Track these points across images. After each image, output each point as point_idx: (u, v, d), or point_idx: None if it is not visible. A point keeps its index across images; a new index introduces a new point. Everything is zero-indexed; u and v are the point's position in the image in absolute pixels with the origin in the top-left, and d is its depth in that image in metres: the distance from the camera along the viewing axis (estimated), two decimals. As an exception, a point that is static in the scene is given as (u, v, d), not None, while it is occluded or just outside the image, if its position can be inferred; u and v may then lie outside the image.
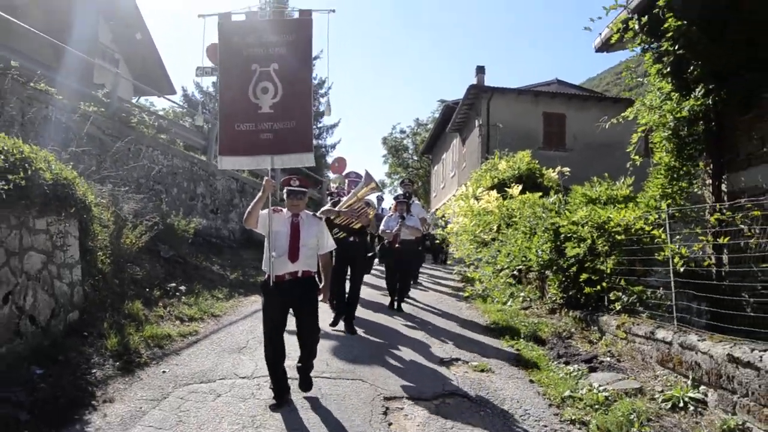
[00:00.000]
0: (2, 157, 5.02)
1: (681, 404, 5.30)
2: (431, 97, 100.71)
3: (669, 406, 5.33)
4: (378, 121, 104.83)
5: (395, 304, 9.74)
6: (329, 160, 36.78)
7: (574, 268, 8.22)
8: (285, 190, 5.51)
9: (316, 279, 5.51)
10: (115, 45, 23.20)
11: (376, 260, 12.44)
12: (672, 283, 6.21)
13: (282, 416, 4.91)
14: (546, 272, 9.32)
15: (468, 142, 27.15)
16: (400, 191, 12.31)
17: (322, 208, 8.45)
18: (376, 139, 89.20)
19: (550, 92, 25.59)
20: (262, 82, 5.73)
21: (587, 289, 7.81)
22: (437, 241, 18.24)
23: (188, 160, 13.80)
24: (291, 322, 5.36)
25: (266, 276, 5.31)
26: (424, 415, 5.11)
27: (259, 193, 5.25)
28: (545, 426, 5.03)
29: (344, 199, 8.35)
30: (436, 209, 28.45)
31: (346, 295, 8.20)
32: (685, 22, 6.91)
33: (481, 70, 28.06)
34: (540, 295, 9.85)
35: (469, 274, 13.14)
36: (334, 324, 8.07)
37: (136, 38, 23.48)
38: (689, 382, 5.50)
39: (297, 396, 5.37)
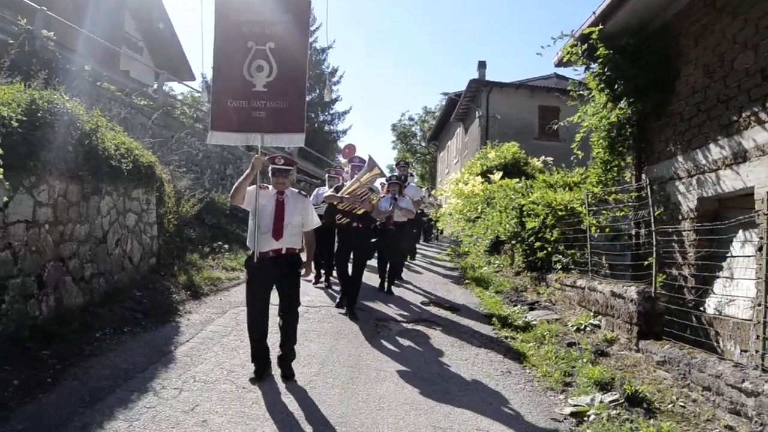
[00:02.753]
0: (121, 148, 7.33)
1: (583, 327, 7.59)
2: (439, 86, 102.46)
3: (575, 328, 7.63)
4: (388, 108, 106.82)
5: (385, 285, 9.79)
6: (341, 145, 38.84)
7: (532, 238, 10.48)
8: (270, 168, 5.56)
9: (300, 257, 5.65)
10: (138, 33, 24.43)
11: None
12: (588, 246, 8.49)
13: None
14: (513, 243, 11.60)
15: (470, 131, 29.22)
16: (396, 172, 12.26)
17: (326, 193, 8.61)
18: (386, 126, 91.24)
19: (546, 87, 27.58)
20: (257, 60, 5.76)
21: (539, 254, 10.10)
22: (431, 220, 20.35)
23: (219, 146, 16.09)
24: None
25: (251, 252, 5.45)
26: (402, 327, 7.44)
27: (247, 170, 5.37)
28: (485, 337, 7.33)
29: (347, 184, 8.35)
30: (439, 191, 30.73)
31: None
32: (611, 51, 9.08)
33: (482, 65, 30.04)
34: (510, 262, 12.14)
35: (458, 246, 15.48)
36: (339, 305, 8.15)
37: (159, 27, 24.68)
38: (591, 314, 7.80)
39: (309, 310, 7.66)
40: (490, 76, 29.62)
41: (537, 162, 18.14)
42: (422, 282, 10.92)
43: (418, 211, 13.08)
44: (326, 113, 44.16)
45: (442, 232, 22.52)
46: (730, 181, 7.12)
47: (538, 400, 5.32)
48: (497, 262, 12.66)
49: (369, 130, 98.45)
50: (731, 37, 7.19)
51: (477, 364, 6.22)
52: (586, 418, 4.86)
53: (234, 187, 5.39)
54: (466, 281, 11.09)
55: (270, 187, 5.58)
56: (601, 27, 8.88)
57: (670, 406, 5.11)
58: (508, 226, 11.39)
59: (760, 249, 6.01)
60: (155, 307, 7.11)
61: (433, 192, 20.75)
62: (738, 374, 4.78)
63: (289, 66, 5.77)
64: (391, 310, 8.34)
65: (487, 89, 26.47)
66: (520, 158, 18.11)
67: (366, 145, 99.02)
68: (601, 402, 5.06)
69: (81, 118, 6.45)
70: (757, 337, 5.39)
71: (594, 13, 8.94)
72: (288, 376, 5.36)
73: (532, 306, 8.97)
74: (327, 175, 10.34)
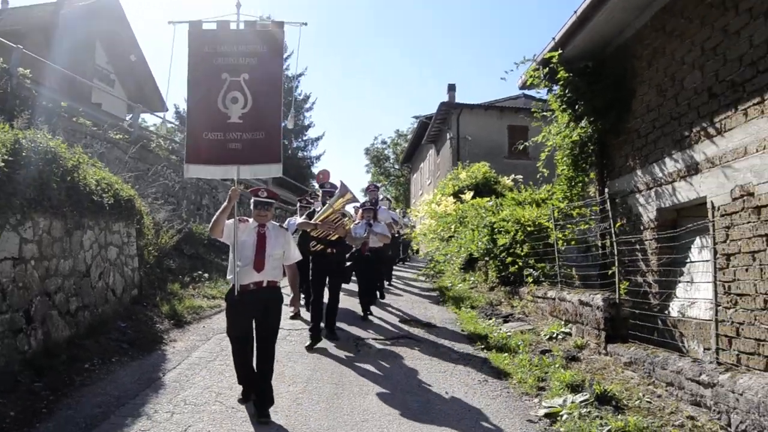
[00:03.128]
0: (101, 184, 7.55)
1: (555, 335, 7.92)
2: (412, 109, 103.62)
3: (547, 337, 7.96)
4: (361, 132, 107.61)
5: (367, 312, 9.62)
6: (315, 171, 39.15)
7: (504, 254, 10.84)
8: (252, 201, 5.49)
9: (281, 290, 5.65)
10: (110, 66, 24.53)
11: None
12: (556, 259, 8.85)
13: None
14: (486, 259, 11.95)
15: (441, 152, 29.74)
16: (366, 197, 12.17)
17: (298, 221, 8.61)
18: (360, 150, 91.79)
19: (514, 107, 28.22)
20: (232, 92, 5.75)
21: (512, 269, 10.45)
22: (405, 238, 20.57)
23: (195, 178, 16.31)
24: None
25: (231, 286, 5.38)
26: (382, 345, 7.70)
27: (225, 203, 5.31)
28: (462, 351, 7.61)
29: (319, 210, 8.26)
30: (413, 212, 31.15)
31: (325, 307, 8.12)
32: (571, 74, 9.54)
33: (452, 88, 30.73)
34: (485, 278, 12.47)
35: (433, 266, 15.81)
36: (310, 348, 7.53)
37: (131, 59, 24.83)
38: (562, 322, 8.14)
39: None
40: (460, 98, 30.43)
41: (507, 180, 18.62)
42: (400, 302, 11.18)
43: (394, 234, 13.30)
44: (299, 140, 44.61)
45: (417, 252, 22.84)
46: (685, 192, 7.54)
47: (514, 404, 5.61)
48: (472, 278, 12.98)
49: (343, 155, 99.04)
50: (680, 58, 7.65)
51: (455, 376, 6.51)
52: (559, 418, 5.15)
53: (213, 220, 5.35)
54: (442, 300, 11.37)
55: (250, 219, 5.53)
56: (560, 51, 9.34)
57: (637, 402, 5.44)
58: (480, 243, 11.75)
59: (714, 253, 6.45)
60: (140, 337, 7.29)
61: (407, 212, 21.07)
62: (696, 368, 5.13)
63: (263, 97, 5.79)
64: (371, 331, 8.57)
65: (457, 111, 27.04)
66: (491, 177, 18.58)
67: (340, 170, 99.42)
68: (572, 402, 5.36)
69: (63, 155, 6.67)
70: (716, 335, 5.78)
71: (553, 38, 9.39)
72: (264, 417, 5.01)
73: (507, 318, 9.29)
74: (298, 204, 10.18)
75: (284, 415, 5.13)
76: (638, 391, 5.68)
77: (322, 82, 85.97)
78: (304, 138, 44.61)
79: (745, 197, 6.32)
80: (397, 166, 52.33)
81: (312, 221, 8.00)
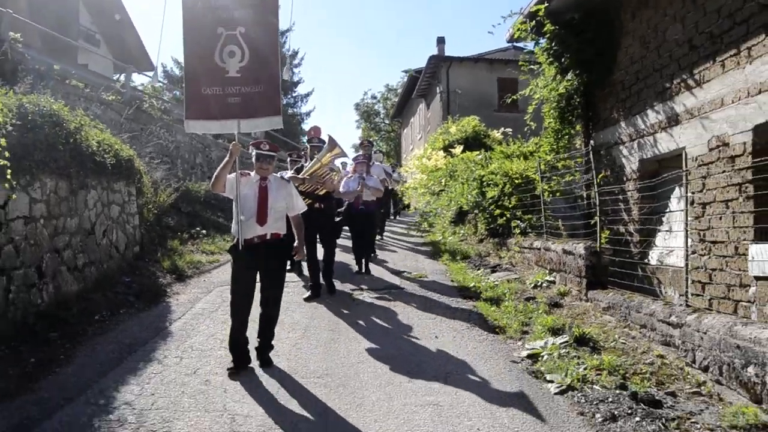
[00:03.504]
0: (102, 145, 7.79)
1: (539, 284, 8.33)
2: (401, 63, 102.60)
3: (532, 285, 8.36)
4: (351, 88, 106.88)
5: (363, 267, 9.75)
6: (305, 127, 39.16)
7: (492, 207, 11.18)
8: (254, 153, 5.49)
9: (286, 241, 5.61)
10: (95, 26, 24.33)
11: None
12: (542, 210, 9.20)
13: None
14: (476, 212, 12.30)
15: (432, 106, 29.82)
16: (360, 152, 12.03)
17: (288, 174, 8.09)
18: (349, 106, 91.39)
19: (504, 59, 28.21)
20: (229, 46, 5.70)
21: (500, 221, 10.81)
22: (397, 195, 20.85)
23: (187, 135, 16.46)
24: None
25: (235, 240, 5.37)
26: (374, 294, 8.09)
27: (226, 158, 5.30)
28: (451, 299, 8.00)
29: (307, 165, 8.26)
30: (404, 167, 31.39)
31: (320, 263, 8.26)
32: (557, 26, 9.73)
33: (441, 41, 30.63)
34: (474, 231, 12.84)
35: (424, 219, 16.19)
36: (309, 299, 7.80)
37: (116, 19, 24.59)
38: (547, 271, 8.54)
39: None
40: (450, 51, 30.31)
41: (497, 134, 18.85)
42: (393, 257, 11.52)
43: (387, 188, 13.43)
44: (289, 96, 44.42)
45: (408, 207, 23.18)
46: (666, 143, 7.84)
47: (499, 347, 6.01)
48: (462, 231, 13.35)
49: (332, 111, 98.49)
50: (662, 10, 7.86)
51: (444, 322, 6.90)
52: (540, 358, 5.55)
53: (214, 175, 5.32)
54: (434, 254, 11.75)
55: (251, 173, 5.51)
56: (546, 5, 9.49)
57: (612, 343, 5.85)
58: (469, 196, 12.09)
59: (691, 203, 6.81)
60: (145, 290, 7.65)
61: (396, 168, 21.31)
62: (666, 310, 5.53)
63: (260, 49, 5.74)
64: (364, 285, 8.92)
65: (447, 65, 27.03)
66: (481, 131, 18.82)
67: (330, 126, 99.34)
68: (553, 344, 5.76)
69: (66, 118, 6.91)
70: (686, 279, 6.16)
71: (540, -9, 9.56)
72: (266, 362, 5.35)
73: (494, 269, 9.68)
74: (288, 158, 9.90)
75: (285, 358, 5.51)
76: (614, 334, 6.09)
77: (310, 38, 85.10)
78: (294, 94, 44.46)
79: (720, 147, 6.64)
80: (387, 121, 52.26)
81: (300, 176, 7.93)
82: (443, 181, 15.39)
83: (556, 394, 4.78)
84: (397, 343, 6.10)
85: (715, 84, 6.74)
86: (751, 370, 4.29)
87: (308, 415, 4.37)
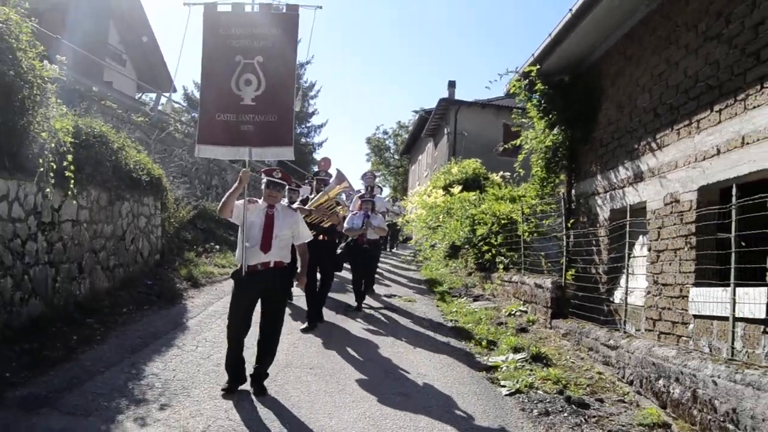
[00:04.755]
0: (138, 164, 8.94)
1: (513, 312, 9.34)
2: (413, 101, 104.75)
3: (507, 314, 9.37)
4: (363, 122, 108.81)
5: (362, 303, 9.65)
6: (317, 157, 40.39)
7: (481, 243, 12.23)
8: (265, 180, 5.49)
9: (289, 270, 5.68)
10: (122, 46, 24.82)
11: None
12: (522, 248, 10.26)
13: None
14: (467, 247, 13.36)
15: (439, 146, 31.02)
16: (362, 184, 12.40)
17: (294, 206, 8.13)
18: (361, 139, 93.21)
19: (510, 106, 29.31)
20: (246, 74, 5.76)
21: (486, 256, 11.85)
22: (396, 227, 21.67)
23: (205, 158, 17.66)
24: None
25: (239, 266, 5.39)
26: (366, 313, 9.11)
27: (235, 184, 5.32)
28: (434, 320, 9.02)
29: (313, 197, 8.41)
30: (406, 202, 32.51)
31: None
32: (547, 86, 10.90)
33: (452, 84, 31.96)
34: (465, 265, 13.88)
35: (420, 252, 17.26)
36: (306, 330, 7.80)
37: (143, 41, 25.03)
38: (521, 302, 9.56)
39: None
40: (461, 93, 31.53)
41: (496, 177, 19.92)
42: (386, 288, 12.54)
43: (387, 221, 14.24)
44: (303, 126, 45.78)
45: (406, 240, 24.18)
46: (632, 197, 8.88)
47: (467, 359, 7.02)
48: (454, 265, 14.39)
49: (344, 143, 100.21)
50: (635, 80, 8.96)
51: (424, 337, 7.93)
52: (499, 369, 6.55)
53: (222, 201, 5.36)
54: (426, 281, 12.78)
55: (259, 200, 5.55)
56: (538, 67, 10.65)
57: (563, 361, 6.85)
58: (461, 232, 13.17)
59: (648, 250, 7.83)
60: (165, 292, 8.71)
61: (400, 203, 22.35)
62: (608, 335, 6.57)
63: (277, 80, 5.82)
64: (359, 320, 9.71)
65: (456, 107, 28.25)
66: (481, 173, 19.89)
67: (341, 158, 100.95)
68: (512, 359, 6.77)
69: (111, 139, 8.06)
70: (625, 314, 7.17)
71: (533, 55, 10.70)
72: (261, 391, 5.31)
73: (477, 298, 10.71)
74: (287, 188, 9.93)
75: (284, 354, 6.51)
76: (567, 354, 7.10)
77: (327, 71, 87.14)
78: (308, 125, 45.80)
79: (673, 203, 7.67)
80: (396, 157, 53.26)
81: (306, 207, 8.14)
82: (441, 217, 16.45)
83: (506, 395, 5.79)
84: (381, 348, 7.13)
85: (671, 149, 7.80)
86: (661, 382, 5.30)
87: (301, 392, 5.40)
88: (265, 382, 5.46)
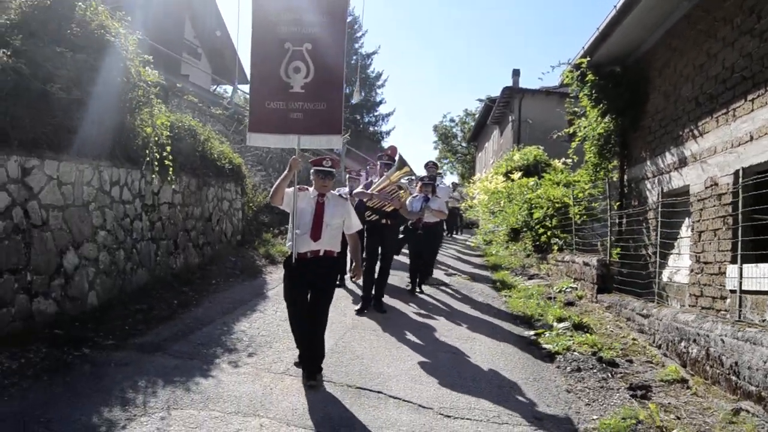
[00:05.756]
0: (222, 154, 10.06)
1: (563, 289, 10.01)
2: (480, 87, 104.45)
3: (558, 290, 10.05)
4: (430, 110, 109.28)
5: (416, 287, 9.73)
6: (384, 145, 41.32)
7: (538, 226, 12.88)
8: (314, 170, 5.41)
9: (339, 259, 5.64)
10: (197, 40, 26.35)
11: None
12: (573, 230, 10.89)
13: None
14: (525, 230, 14.03)
15: (504, 133, 31.40)
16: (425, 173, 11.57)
17: (356, 190, 8.59)
18: (428, 127, 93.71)
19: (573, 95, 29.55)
20: (295, 62, 5.67)
21: (542, 238, 12.51)
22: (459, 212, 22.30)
23: (279, 148, 18.82)
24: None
25: (289, 253, 5.42)
26: (428, 290, 9.96)
27: (285, 171, 5.23)
28: (489, 296, 9.80)
29: (377, 181, 8.51)
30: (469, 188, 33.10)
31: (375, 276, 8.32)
32: (598, 77, 11.42)
33: (516, 73, 32.34)
34: (524, 247, 14.54)
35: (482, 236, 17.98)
36: (360, 312, 7.91)
37: (216, 35, 26.68)
38: (572, 280, 10.22)
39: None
40: (525, 80, 31.71)
41: (558, 163, 20.33)
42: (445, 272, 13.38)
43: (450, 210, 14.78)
44: (371, 115, 46.87)
45: (470, 225, 24.87)
46: (677, 181, 9.39)
47: (517, 326, 7.81)
48: (514, 248, 15.07)
49: (412, 131, 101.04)
50: (679, 71, 9.44)
51: (479, 309, 8.74)
52: (543, 336, 7.30)
53: (273, 188, 5.36)
54: (485, 261, 13.54)
55: (310, 188, 5.49)
56: (588, 59, 11.21)
57: (602, 330, 7.54)
58: (519, 216, 13.84)
59: (692, 230, 8.37)
60: (246, 268, 9.81)
61: (461, 188, 23.00)
62: (641, 305, 7.23)
63: (326, 67, 5.74)
64: (413, 305, 10.07)
65: (520, 96, 28.55)
66: (542, 160, 20.33)
67: (408, 146, 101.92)
68: (555, 327, 7.51)
69: (199, 132, 9.17)
70: (689, 293, 7.77)
71: (583, 47, 11.26)
72: (312, 376, 5.21)
73: (532, 277, 11.42)
74: (348, 176, 10.07)
75: (334, 342, 6.99)
76: (607, 324, 7.79)
77: (394, 60, 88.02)
78: (376, 113, 46.85)
79: (712, 187, 8.18)
80: (464, 144, 53.52)
81: (369, 191, 8.26)
82: (502, 202, 17.08)
83: (546, 356, 6.55)
84: (438, 316, 7.99)
85: (711, 135, 8.30)
86: (682, 344, 5.97)
87: (365, 344, 6.35)
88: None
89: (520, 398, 5.23)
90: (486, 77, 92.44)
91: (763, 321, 6.14)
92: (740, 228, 6.10)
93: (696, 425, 4.65)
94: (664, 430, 4.52)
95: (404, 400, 4.97)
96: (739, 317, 5.79)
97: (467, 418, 4.67)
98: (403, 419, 4.57)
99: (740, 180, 7.21)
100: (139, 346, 5.69)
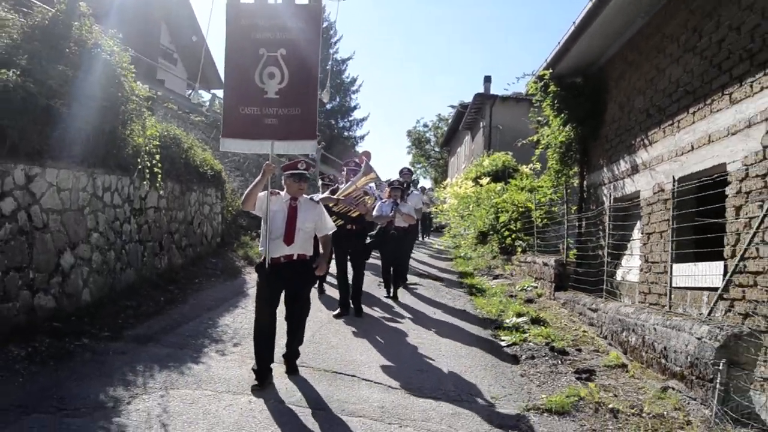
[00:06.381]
0: (203, 161, 10.60)
1: (525, 287, 10.72)
2: (454, 93, 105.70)
3: (520, 288, 10.76)
4: (404, 115, 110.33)
5: (391, 292, 9.83)
6: (359, 150, 41.88)
7: (503, 229, 13.61)
8: (289, 173, 5.47)
9: (312, 263, 5.55)
10: (173, 46, 26.57)
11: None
12: (534, 232, 11.62)
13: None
14: (492, 233, 14.75)
15: (476, 139, 32.18)
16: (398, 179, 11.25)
17: (321, 196, 8.40)
18: (402, 132, 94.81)
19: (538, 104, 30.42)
20: (269, 67, 5.67)
21: (507, 241, 13.23)
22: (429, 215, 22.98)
23: (255, 153, 19.35)
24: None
25: (262, 258, 5.42)
26: (399, 291, 10.61)
27: (258, 177, 5.24)
28: (456, 294, 10.46)
29: (342, 187, 8.58)
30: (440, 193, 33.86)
31: (350, 284, 8.42)
32: (559, 88, 12.16)
33: (487, 80, 33.18)
34: (491, 249, 15.26)
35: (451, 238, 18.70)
36: (337, 316, 8.14)
37: (192, 40, 26.36)
38: (533, 279, 10.94)
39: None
40: (497, 86, 32.47)
41: (526, 169, 21.12)
42: (421, 267, 14.04)
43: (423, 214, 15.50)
44: (345, 120, 47.38)
45: (439, 229, 25.61)
46: (629, 187, 10.12)
47: (480, 321, 8.46)
48: (482, 250, 15.79)
49: (386, 136, 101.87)
50: (633, 84, 10.18)
51: (445, 307, 9.41)
52: (503, 329, 7.97)
53: (245, 193, 5.38)
54: (453, 265, 14.23)
55: (281, 192, 5.55)
56: (551, 71, 11.94)
57: (557, 323, 8.24)
58: (487, 220, 14.57)
59: (641, 232, 9.08)
60: (227, 268, 10.36)
61: (431, 192, 23.68)
62: (591, 301, 7.95)
63: (300, 73, 5.73)
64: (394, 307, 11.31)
65: (491, 102, 29.32)
66: (510, 165, 21.13)
67: (382, 150, 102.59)
68: (515, 321, 8.18)
69: (183, 140, 9.71)
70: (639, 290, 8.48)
71: (546, 60, 11.99)
72: (293, 370, 5.56)
73: (497, 277, 12.14)
74: (320, 182, 10.01)
75: (311, 333, 7.57)
76: (562, 318, 8.49)
77: (368, 66, 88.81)
78: (350, 119, 47.37)
79: (659, 192, 8.92)
80: (437, 149, 54.26)
81: (334, 197, 8.33)
82: (471, 206, 17.82)
83: (504, 347, 7.23)
84: (407, 313, 8.63)
85: (659, 145, 9.03)
86: (624, 333, 6.68)
87: (340, 336, 6.96)
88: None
89: (478, 382, 5.86)
90: (460, 83, 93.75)
91: (700, 314, 6.88)
92: (672, 230, 6.86)
93: (630, 401, 5.33)
94: (601, 404, 5.20)
95: (375, 382, 5.59)
96: (669, 308, 6.51)
97: (431, 397, 5.30)
98: (375, 397, 5.19)
99: (675, 186, 7.97)
100: (132, 337, 6.23)
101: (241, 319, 7.45)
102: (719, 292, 6.29)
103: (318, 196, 8.07)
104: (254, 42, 5.75)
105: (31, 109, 5.62)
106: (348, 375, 5.74)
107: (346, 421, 4.66)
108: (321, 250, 5.72)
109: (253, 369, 5.30)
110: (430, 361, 6.42)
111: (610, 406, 5.17)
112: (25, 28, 6.41)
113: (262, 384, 5.15)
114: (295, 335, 5.55)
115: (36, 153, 6.00)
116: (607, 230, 9.36)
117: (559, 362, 6.53)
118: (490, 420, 4.88)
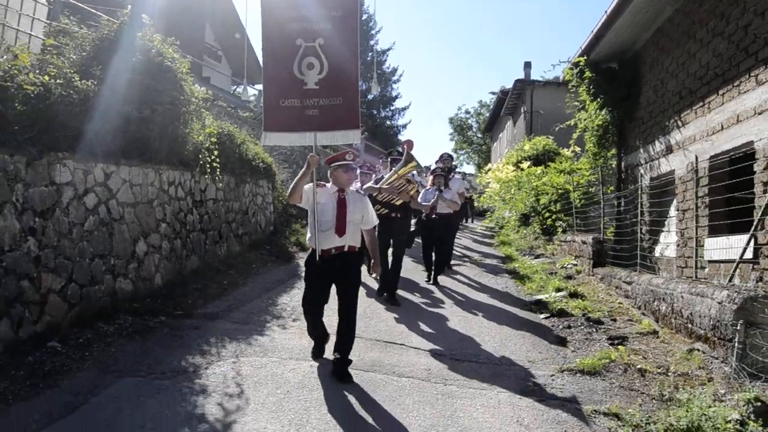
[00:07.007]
0: (255, 155, 11.29)
1: (565, 265, 11.12)
2: (495, 79, 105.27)
3: (560, 266, 11.16)
4: (445, 103, 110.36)
5: (432, 277, 9.84)
6: (401, 139, 42.29)
7: (544, 211, 13.99)
8: (337, 164, 5.37)
9: (361, 254, 5.59)
10: (217, 43, 26.89)
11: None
12: (573, 212, 11.99)
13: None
14: (533, 215, 15.14)
15: (517, 124, 32.33)
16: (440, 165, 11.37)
17: (365, 185, 8.45)
18: (444, 119, 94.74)
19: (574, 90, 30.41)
20: (308, 58, 5.58)
21: (548, 222, 13.62)
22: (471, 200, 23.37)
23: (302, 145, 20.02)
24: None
25: (311, 250, 5.41)
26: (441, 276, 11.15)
27: (303, 169, 5.15)
28: (500, 272, 10.94)
29: (386, 176, 8.58)
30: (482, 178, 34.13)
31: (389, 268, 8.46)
32: (595, 74, 12.46)
33: (527, 65, 33.22)
34: (533, 231, 15.65)
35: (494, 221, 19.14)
36: (379, 293, 8.48)
37: (235, 37, 26.65)
38: (573, 258, 11.33)
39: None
40: (537, 71, 32.47)
41: (567, 152, 21.33)
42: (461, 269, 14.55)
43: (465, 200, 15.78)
44: (387, 110, 47.83)
45: (482, 213, 25.97)
46: (664, 166, 10.44)
47: (520, 298, 8.95)
48: (524, 232, 16.20)
49: (428, 124, 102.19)
50: (666, 68, 10.48)
51: (489, 281, 9.90)
52: (542, 302, 8.44)
53: (291, 186, 5.30)
54: (496, 243, 14.69)
55: (327, 184, 5.47)
56: (585, 57, 12.26)
57: (594, 297, 8.67)
58: (528, 203, 14.96)
59: (677, 210, 9.41)
60: (281, 254, 11.06)
61: (470, 178, 24.01)
62: (626, 274, 8.34)
63: (340, 61, 5.63)
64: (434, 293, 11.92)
65: (531, 87, 29.49)
66: (551, 149, 21.34)
67: (424, 138, 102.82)
68: (554, 296, 8.63)
69: (237, 136, 10.40)
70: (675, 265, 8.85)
71: (580, 47, 12.32)
72: (343, 377, 5.16)
73: (538, 256, 12.56)
74: (359, 171, 9.44)
75: (362, 309, 8.46)
76: (598, 292, 8.91)
77: (409, 55, 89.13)
78: (392, 108, 47.78)
79: (692, 171, 9.25)
80: (479, 135, 54.39)
81: (377, 186, 8.35)
82: (512, 190, 18.20)
83: (542, 318, 7.71)
84: (452, 289, 9.17)
85: (691, 126, 9.35)
86: (655, 303, 7.10)
87: (389, 312, 7.55)
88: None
89: (516, 349, 6.38)
90: (500, 70, 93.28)
91: (730, 284, 7.24)
92: (704, 206, 7.17)
93: (657, 362, 5.79)
94: (630, 365, 5.67)
95: (422, 350, 6.17)
96: (695, 278, 6.90)
97: (473, 361, 5.86)
98: (422, 361, 5.77)
99: (707, 164, 8.30)
100: (202, 315, 6.94)
101: (298, 298, 8.04)
102: (737, 261, 6.67)
103: (356, 185, 7.86)
104: (291, 33, 5.66)
105: (106, 114, 6.34)
106: (397, 344, 6.34)
107: (396, 380, 5.24)
108: (368, 246, 5.75)
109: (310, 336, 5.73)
110: (472, 331, 6.96)
111: (639, 366, 5.63)
112: (96, 41, 7.14)
113: (319, 353, 5.67)
114: (348, 330, 5.31)
115: (111, 153, 6.72)
116: (641, 208, 9.67)
117: (594, 330, 6.99)
118: (526, 378, 5.42)
